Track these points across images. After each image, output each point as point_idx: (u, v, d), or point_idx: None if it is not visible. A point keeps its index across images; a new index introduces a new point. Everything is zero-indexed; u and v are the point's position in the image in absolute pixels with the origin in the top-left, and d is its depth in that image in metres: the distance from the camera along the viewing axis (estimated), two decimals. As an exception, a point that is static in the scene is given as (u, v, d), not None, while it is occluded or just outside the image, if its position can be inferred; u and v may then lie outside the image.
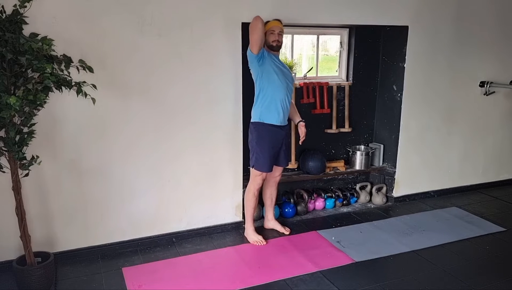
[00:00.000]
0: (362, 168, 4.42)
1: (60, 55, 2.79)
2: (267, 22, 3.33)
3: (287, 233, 3.71)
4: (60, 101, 2.98)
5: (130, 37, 3.12)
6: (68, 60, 2.79)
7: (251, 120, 3.44)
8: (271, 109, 3.34)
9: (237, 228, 3.77)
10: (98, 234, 3.33)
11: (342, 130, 4.41)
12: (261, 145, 3.38)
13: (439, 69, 4.34)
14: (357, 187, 4.48)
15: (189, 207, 3.58)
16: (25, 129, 2.72)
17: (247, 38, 3.31)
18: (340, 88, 4.36)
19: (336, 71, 4.51)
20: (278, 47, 3.39)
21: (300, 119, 3.60)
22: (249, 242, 3.56)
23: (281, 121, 3.39)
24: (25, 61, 2.48)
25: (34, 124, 2.76)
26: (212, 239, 3.62)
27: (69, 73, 2.77)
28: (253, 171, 3.49)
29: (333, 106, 4.32)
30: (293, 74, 3.54)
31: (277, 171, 3.62)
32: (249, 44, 3.24)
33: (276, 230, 3.75)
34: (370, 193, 4.48)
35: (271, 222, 3.79)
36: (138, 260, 3.28)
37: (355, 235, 3.72)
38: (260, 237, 3.55)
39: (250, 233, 3.58)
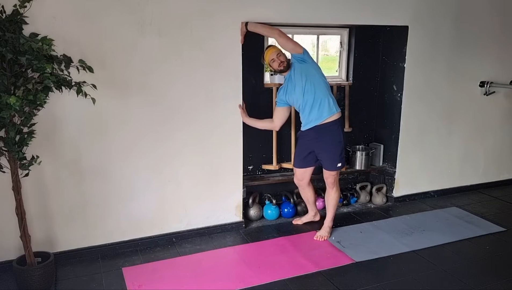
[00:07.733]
0: (362, 168, 4.42)
1: (60, 55, 2.79)
2: (265, 50, 3.58)
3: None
4: (60, 101, 2.98)
5: (130, 37, 3.12)
6: (68, 60, 2.78)
7: None
8: None
9: (237, 228, 3.77)
10: (98, 234, 3.33)
11: (342, 130, 4.41)
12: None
13: (439, 69, 4.34)
14: (357, 187, 4.48)
15: (189, 207, 3.58)
16: (25, 129, 2.72)
17: (247, 39, 3.42)
18: (340, 88, 4.35)
19: (336, 71, 4.51)
20: (287, 66, 3.49)
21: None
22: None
23: (303, 126, 3.60)
24: (25, 61, 2.47)
25: (34, 124, 2.76)
26: (212, 239, 3.62)
27: (69, 73, 2.77)
28: None
29: (333, 106, 4.32)
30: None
31: (325, 174, 3.70)
32: None
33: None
34: (370, 193, 4.48)
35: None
36: (138, 260, 3.28)
37: (355, 235, 3.72)
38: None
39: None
